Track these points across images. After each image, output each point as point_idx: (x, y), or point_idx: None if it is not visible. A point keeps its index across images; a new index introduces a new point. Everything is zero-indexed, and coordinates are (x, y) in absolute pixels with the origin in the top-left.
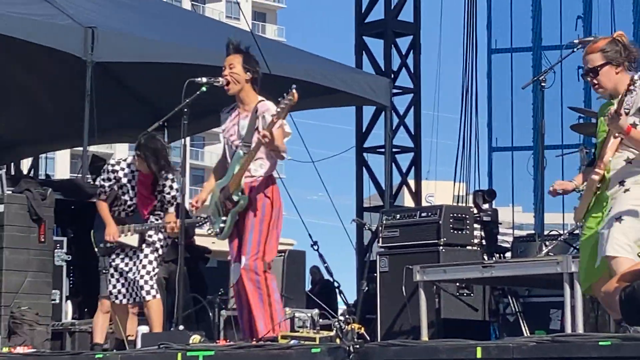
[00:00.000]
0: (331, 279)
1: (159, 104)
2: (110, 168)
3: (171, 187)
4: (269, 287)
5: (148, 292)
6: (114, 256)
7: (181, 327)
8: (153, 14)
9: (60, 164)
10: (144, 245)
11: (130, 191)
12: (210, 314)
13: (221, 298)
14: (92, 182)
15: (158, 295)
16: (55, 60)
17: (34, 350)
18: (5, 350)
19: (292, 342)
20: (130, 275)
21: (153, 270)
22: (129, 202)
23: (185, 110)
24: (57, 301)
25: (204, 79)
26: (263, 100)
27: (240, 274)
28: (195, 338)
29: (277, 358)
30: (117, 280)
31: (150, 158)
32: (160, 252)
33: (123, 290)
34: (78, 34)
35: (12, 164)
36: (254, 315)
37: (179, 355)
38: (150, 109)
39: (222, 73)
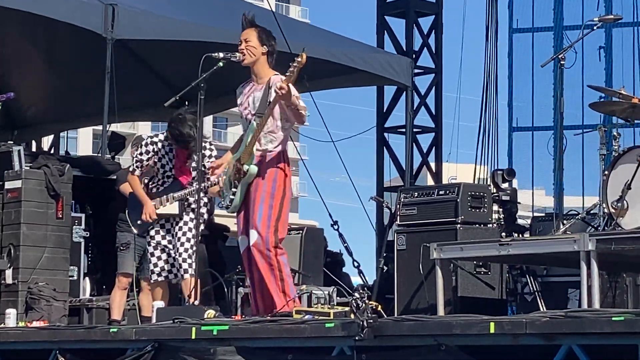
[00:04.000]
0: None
1: (178, 82)
2: (149, 140)
3: (210, 157)
4: (279, 262)
5: (186, 270)
6: (152, 233)
7: (196, 302)
8: None
9: (82, 143)
10: (184, 214)
11: (170, 162)
12: (226, 291)
13: (239, 276)
14: (111, 159)
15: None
16: (76, 37)
17: (49, 324)
18: (21, 324)
19: (307, 317)
20: (172, 252)
21: (191, 248)
22: (167, 173)
23: (202, 85)
24: (75, 277)
25: (221, 54)
26: (277, 74)
27: (251, 250)
28: (210, 313)
29: (291, 332)
30: (159, 258)
31: (174, 134)
32: (205, 216)
33: (167, 267)
34: (98, 11)
35: (33, 141)
36: (270, 290)
37: (193, 329)
38: (170, 87)
39: (238, 47)
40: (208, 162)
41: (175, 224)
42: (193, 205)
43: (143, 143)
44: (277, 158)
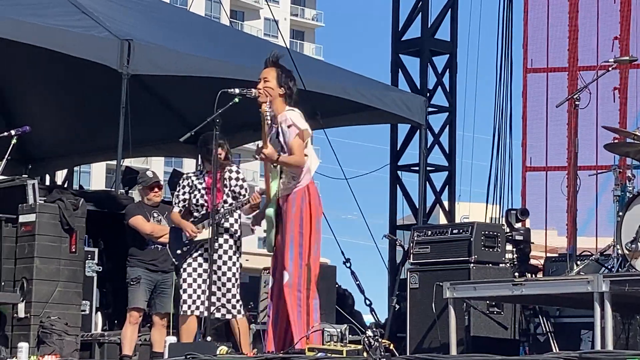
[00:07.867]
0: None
1: (193, 118)
2: (185, 176)
3: (237, 179)
4: (309, 306)
5: (239, 311)
6: (188, 263)
7: (209, 338)
8: (190, 28)
9: (95, 178)
10: (221, 241)
11: (202, 190)
12: None
13: (251, 312)
14: (125, 194)
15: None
16: (92, 72)
17: (61, 359)
18: (33, 358)
19: (319, 354)
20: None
21: (236, 282)
22: (200, 202)
23: (217, 121)
24: (87, 312)
25: (237, 90)
26: (291, 110)
27: (283, 289)
28: (223, 349)
29: None
30: (194, 291)
31: (202, 154)
32: (238, 234)
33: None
34: (114, 46)
35: (47, 175)
36: (292, 331)
37: None
38: (185, 123)
39: (256, 85)
40: (236, 184)
41: (214, 257)
42: (230, 230)
43: (180, 181)
44: (301, 194)
